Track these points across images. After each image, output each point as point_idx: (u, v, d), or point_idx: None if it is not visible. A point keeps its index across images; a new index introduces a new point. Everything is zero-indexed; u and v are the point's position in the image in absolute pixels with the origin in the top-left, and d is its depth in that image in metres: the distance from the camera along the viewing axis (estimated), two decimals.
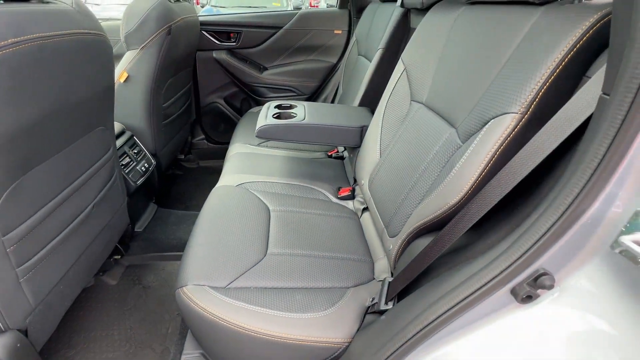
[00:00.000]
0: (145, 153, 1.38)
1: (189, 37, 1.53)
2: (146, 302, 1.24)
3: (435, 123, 0.80)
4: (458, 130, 0.70)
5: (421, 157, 0.80)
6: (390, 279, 0.75)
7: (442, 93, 0.82)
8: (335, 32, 1.96)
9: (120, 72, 1.27)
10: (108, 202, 1.04)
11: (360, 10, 1.88)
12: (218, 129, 2.17)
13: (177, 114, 1.64)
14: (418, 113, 0.90)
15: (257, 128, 1.14)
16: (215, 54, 1.95)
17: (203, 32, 1.89)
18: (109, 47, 0.85)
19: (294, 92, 2.08)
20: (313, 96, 2.11)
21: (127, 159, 1.27)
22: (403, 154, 0.89)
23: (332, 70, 2.04)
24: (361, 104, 1.40)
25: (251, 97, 2.12)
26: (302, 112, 1.24)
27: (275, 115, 1.21)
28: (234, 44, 1.96)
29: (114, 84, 0.93)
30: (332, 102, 1.99)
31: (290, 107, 1.31)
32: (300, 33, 1.96)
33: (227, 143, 1.97)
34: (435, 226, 0.68)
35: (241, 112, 2.17)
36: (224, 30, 1.92)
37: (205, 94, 2.07)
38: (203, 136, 2.18)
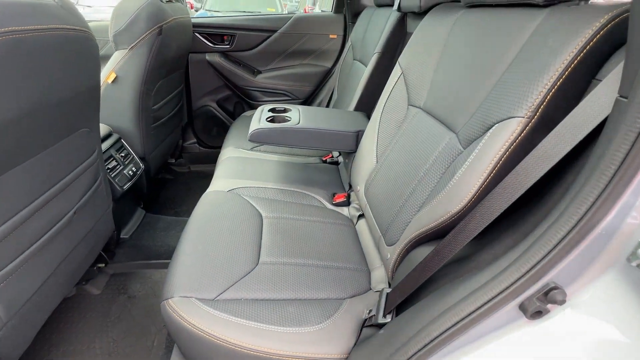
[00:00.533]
0: (133, 157, 1.33)
1: (181, 39, 1.49)
2: (131, 312, 1.18)
3: (434, 128, 0.78)
4: (459, 136, 0.68)
5: (420, 162, 0.77)
6: (388, 290, 0.72)
7: (441, 97, 0.80)
8: (331, 36, 1.95)
9: (108, 72, 1.22)
10: (91, 208, 0.99)
11: (355, 15, 1.86)
12: (210, 132, 2.13)
13: (167, 116, 1.60)
14: (416, 118, 0.88)
15: (250, 132, 1.11)
16: (208, 57, 1.92)
17: (196, 34, 1.86)
18: (94, 45, 0.81)
19: (288, 96, 2.06)
20: (307, 100, 2.09)
21: (114, 163, 1.21)
22: (401, 159, 0.86)
23: (327, 74, 2.02)
24: (357, 109, 1.37)
25: (244, 101, 2.09)
26: (297, 116, 1.21)
27: (269, 119, 1.18)
28: (228, 46, 1.92)
29: (99, 84, 0.89)
30: (327, 106, 1.97)
31: (285, 110, 1.28)
32: (295, 37, 1.94)
33: (219, 147, 1.94)
34: (435, 235, 0.65)
35: (234, 115, 2.13)
36: (217, 33, 1.89)
37: (198, 96, 2.03)
38: (195, 140, 2.13)
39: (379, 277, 0.85)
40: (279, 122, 1.16)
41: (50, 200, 0.79)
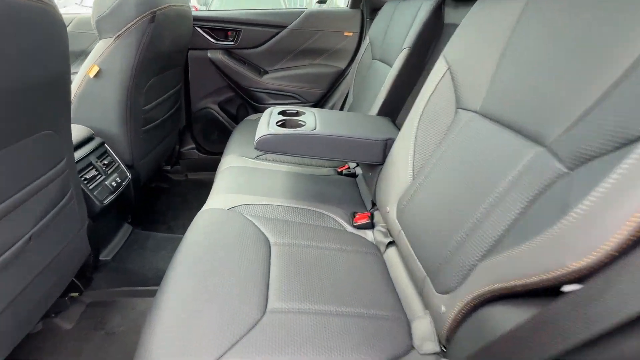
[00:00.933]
0: (119, 165, 1.14)
1: (179, 30, 1.31)
2: (109, 353, 0.98)
3: (504, 138, 0.58)
4: (554, 150, 0.48)
5: (485, 184, 0.57)
6: None
7: (511, 98, 0.61)
8: (346, 34, 1.77)
9: (90, 65, 1.03)
10: (58, 230, 0.79)
11: (374, 11, 1.69)
12: (210, 137, 1.94)
13: (161, 119, 1.41)
14: (471, 124, 0.69)
15: (256, 138, 0.91)
16: (210, 54, 1.74)
17: (197, 28, 1.68)
18: (58, 23, 0.63)
19: (297, 99, 1.87)
20: (318, 104, 1.90)
21: (93, 172, 1.02)
22: (452, 177, 0.67)
23: (341, 76, 1.84)
24: (380, 114, 1.18)
25: (248, 103, 1.90)
26: (312, 120, 1.02)
27: (279, 123, 0.98)
28: (232, 43, 1.74)
29: (67, 73, 0.70)
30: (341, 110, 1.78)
31: (297, 113, 1.09)
32: (306, 34, 1.76)
33: (220, 154, 1.77)
34: (529, 292, 0.45)
35: (237, 119, 1.95)
36: (220, 28, 1.72)
37: (198, 98, 1.84)
38: (193, 145, 1.94)
39: (424, 332, 0.65)
40: (292, 127, 0.97)
41: None
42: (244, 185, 1.06)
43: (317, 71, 1.83)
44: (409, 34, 1.12)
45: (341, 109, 1.78)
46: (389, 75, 1.15)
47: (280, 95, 1.86)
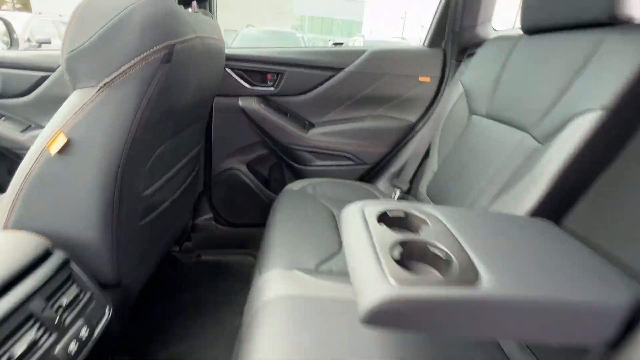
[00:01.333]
0: (92, 295, 0.65)
1: (207, 72, 0.88)
2: None
3: None
4: None
5: None
6: None
7: None
8: (420, 79, 1.35)
9: (52, 133, 0.59)
10: None
11: (464, 50, 1.28)
12: (233, 205, 1.48)
13: (171, 199, 0.95)
14: None
15: (365, 304, 0.43)
16: (241, 102, 1.33)
17: (227, 69, 1.28)
18: None
19: (351, 159, 1.42)
20: (378, 166, 1.44)
21: (33, 334, 0.53)
22: None
23: (411, 131, 1.40)
24: (535, 213, 0.70)
25: (286, 164, 1.46)
26: (451, 241, 0.53)
27: (396, 255, 0.50)
28: (272, 89, 1.33)
29: None
30: (412, 183, 1.32)
31: (408, 221, 0.61)
32: (367, 78, 1.35)
33: (243, 226, 1.40)
34: None
35: (269, 183, 1.50)
36: (258, 70, 1.32)
37: (222, 156, 1.41)
38: (210, 215, 1.48)
39: None
40: (424, 269, 0.49)
41: None
42: (312, 352, 0.57)
43: (379, 125, 1.39)
44: (596, 87, 0.67)
45: (413, 177, 1.32)
46: (560, 151, 0.68)
47: (329, 155, 1.41)
